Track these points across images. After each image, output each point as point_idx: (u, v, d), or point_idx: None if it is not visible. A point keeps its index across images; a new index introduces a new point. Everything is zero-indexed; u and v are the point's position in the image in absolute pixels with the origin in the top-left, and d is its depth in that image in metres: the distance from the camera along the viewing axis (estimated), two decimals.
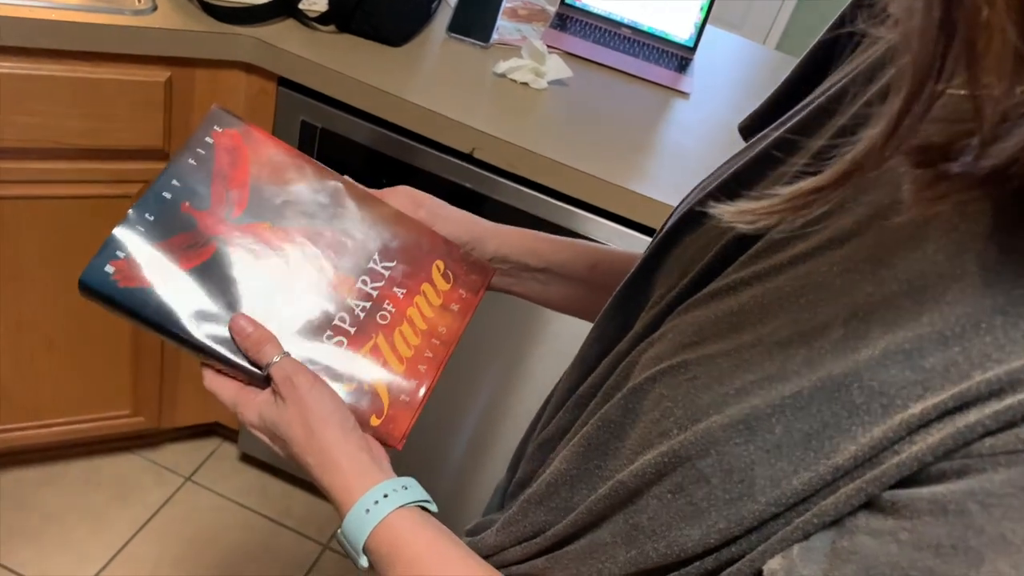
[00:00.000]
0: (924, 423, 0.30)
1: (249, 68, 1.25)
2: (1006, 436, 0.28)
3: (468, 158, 1.21)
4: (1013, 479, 0.28)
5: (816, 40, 0.50)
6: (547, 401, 0.61)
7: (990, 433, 0.29)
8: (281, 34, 1.24)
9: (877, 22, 0.41)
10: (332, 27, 1.30)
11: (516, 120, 1.24)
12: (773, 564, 0.33)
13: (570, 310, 0.69)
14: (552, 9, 1.67)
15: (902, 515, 0.30)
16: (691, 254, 0.48)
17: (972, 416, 0.29)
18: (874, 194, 0.38)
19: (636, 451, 0.42)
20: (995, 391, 0.29)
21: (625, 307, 0.53)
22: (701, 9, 1.60)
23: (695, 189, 0.52)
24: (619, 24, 1.64)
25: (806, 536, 0.33)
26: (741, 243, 0.44)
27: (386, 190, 0.65)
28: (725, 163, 0.50)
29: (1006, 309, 0.30)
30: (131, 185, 1.28)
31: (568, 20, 1.63)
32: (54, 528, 1.56)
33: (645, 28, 1.64)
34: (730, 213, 0.35)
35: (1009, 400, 0.28)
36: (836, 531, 0.32)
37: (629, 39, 1.62)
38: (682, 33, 1.63)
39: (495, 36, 1.45)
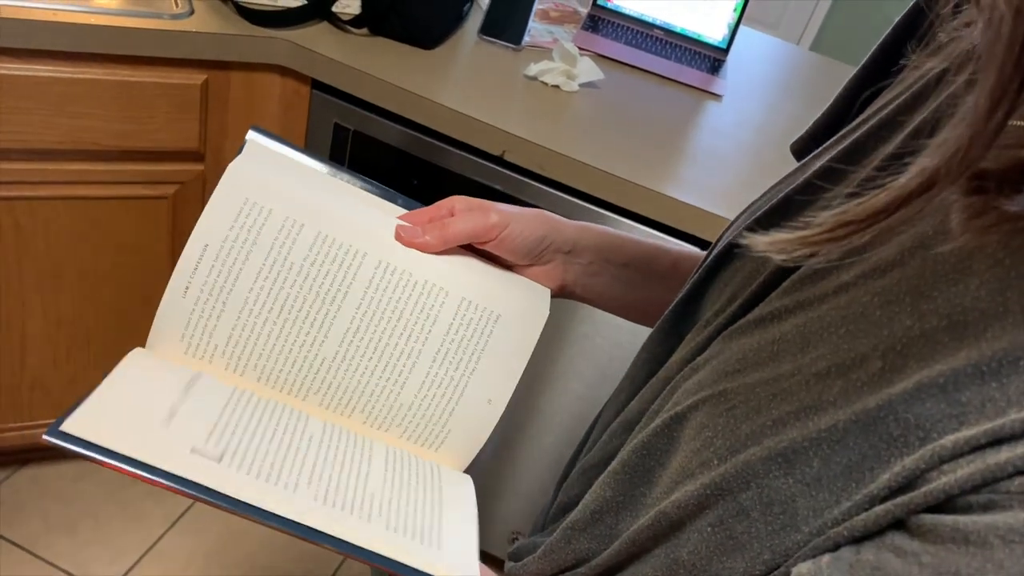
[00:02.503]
0: (955, 455, 0.31)
1: (283, 71, 1.26)
2: None
3: (499, 160, 1.21)
4: None
5: (866, 57, 0.49)
6: (593, 424, 0.60)
7: (1020, 472, 0.29)
8: (315, 37, 1.26)
9: (928, 53, 0.40)
10: (365, 30, 1.31)
11: (547, 123, 1.24)
12: (802, 568, 0.34)
13: (645, 313, 0.65)
14: (584, 11, 1.66)
15: (927, 539, 0.30)
16: (740, 278, 0.48)
17: (1003, 455, 0.29)
18: (919, 223, 0.37)
19: (677, 480, 0.42)
20: None
21: (675, 331, 0.52)
22: (735, 10, 1.59)
23: (746, 211, 0.51)
24: (651, 26, 1.63)
25: (836, 547, 0.34)
26: (787, 269, 0.43)
27: (438, 204, 0.60)
28: (775, 185, 0.49)
29: None
30: (167, 186, 1.30)
31: (600, 22, 1.62)
32: (89, 522, 1.59)
33: (678, 29, 1.63)
34: (763, 244, 0.35)
35: None
36: (863, 545, 0.33)
37: (661, 40, 1.62)
38: (715, 34, 1.62)
39: (527, 38, 1.46)
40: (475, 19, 1.48)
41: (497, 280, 0.58)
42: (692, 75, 1.53)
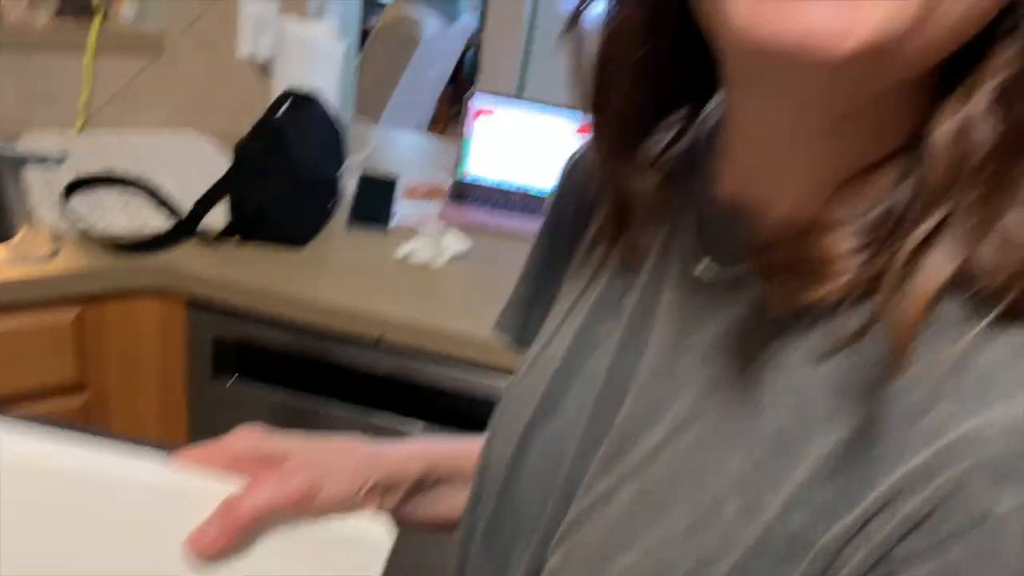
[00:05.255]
0: (840, 548, 0.34)
1: (158, 294, 1.29)
2: (917, 536, 0.32)
3: (379, 345, 1.25)
4: (938, 569, 0.31)
5: (546, 217, 0.59)
6: None
7: (902, 538, 0.32)
8: (185, 257, 1.29)
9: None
10: (235, 239, 1.36)
11: (420, 300, 1.29)
12: None
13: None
14: (448, 184, 1.76)
15: None
16: (545, 481, 0.48)
17: (878, 530, 0.33)
18: (696, 375, 0.42)
19: None
20: (885, 503, 0.33)
21: (494, 549, 0.51)
22: None
23: (503, 422, 0.53)
24: (512, 191, 1.75)
25: None
26: (588, 451, 0.46)
27: (212, 448, 0.51)
28: (522, 386, 0.53)
29: (858, 440, 0.35)
30: None
31: (465, 193, 1.72)
32: None
33: (535, 191, 1.74)
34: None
35: (905, 507, 0.32)
36: None
37: (522, 203, 1.72)
38: None
39: (394, 220, 1.53)
40: (344, 209, 1.55)
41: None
42: None
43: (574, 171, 0.58)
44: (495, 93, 1.75)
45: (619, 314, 0.48)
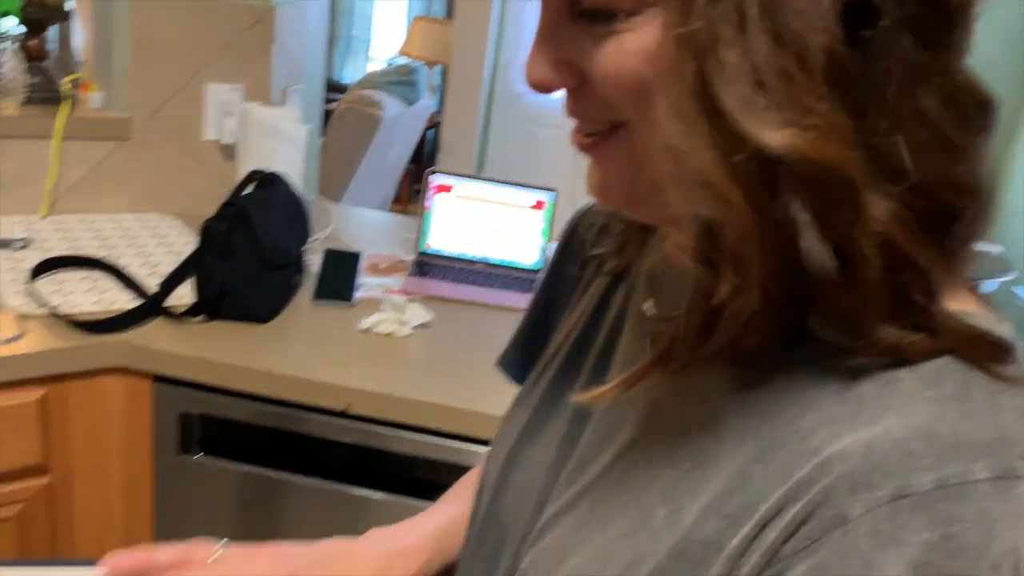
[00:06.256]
0: (742, 552, 0.40)
1: (123, 371, 1.30)
2: (796, 538, 0.38)
3: (345, 415, 1.27)
4: (811, 566, 0.37)
5: (545, 274, 0.65)
6: None
7: (785, 541, 0.38)
8: (151, 334, 1.32)
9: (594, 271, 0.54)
10: (201, 317, 1.39)
11: (386, 370, 1.33)
12: None
13: None
14: (410, 258, 1.81)
15: None
16: (525, 494, 0.56)
17: (770, 535, 0.39)
18: (638, 406, 0.49)
19: None
20: (776, 512, 0.39)
21: (480, 553, 0.59)
22: (543, 234, 1.79)
23: (497, 446, 0.60)
24: (472, 261, 1.80)
25: None
26: (560, 467, 0.53)
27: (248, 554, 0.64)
28: (513, 416, 0.59)
29: (760, 458, 0.41)
30: (10, 507, 1.27)
31: (426, 266, 1.77)
32: None
33: (496, 261, 1.80)
34: (587, 398, 0.46)
35: (789, 514, 0.38)
36: None
37: (483, 272, 1.78)
38: (529, 259, 1.80)
39: (358, 294, 1.57)
40: (309, 284, 1.59)
41: None
42: (514, 298, 1.68)
43: (579, 224, 0.65)
44: (453, 172, 1.82)
45: (591, 353, 0.57)
